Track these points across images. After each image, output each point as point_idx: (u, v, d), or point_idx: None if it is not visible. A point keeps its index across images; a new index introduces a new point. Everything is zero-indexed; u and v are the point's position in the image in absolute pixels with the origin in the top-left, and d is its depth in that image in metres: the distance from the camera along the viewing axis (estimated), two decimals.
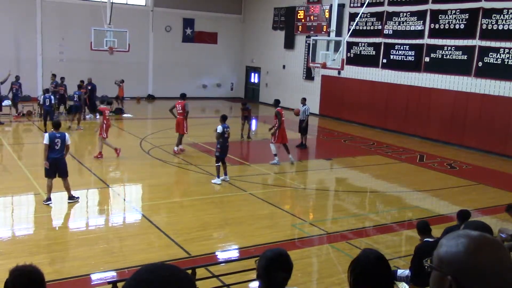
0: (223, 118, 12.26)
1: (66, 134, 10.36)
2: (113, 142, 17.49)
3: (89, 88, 21.20)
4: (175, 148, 15.13)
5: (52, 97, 18.11)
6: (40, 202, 10.34)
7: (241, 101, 20.47)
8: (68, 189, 10.17)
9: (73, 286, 6.79)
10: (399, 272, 6.25)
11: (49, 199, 10.01)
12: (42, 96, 18.12)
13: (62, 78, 21.24)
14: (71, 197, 10.23)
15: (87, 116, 20.78)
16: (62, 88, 21.08)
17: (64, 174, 10.13)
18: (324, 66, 16.71)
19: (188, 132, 15.44)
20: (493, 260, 1.39)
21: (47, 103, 17.56)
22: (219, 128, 11.95)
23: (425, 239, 6.39)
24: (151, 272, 1.34)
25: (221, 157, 12.00)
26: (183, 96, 15.45)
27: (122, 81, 23.98)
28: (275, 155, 14.52)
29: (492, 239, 1.47)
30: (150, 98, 28.78)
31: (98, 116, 20.57)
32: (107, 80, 24.34)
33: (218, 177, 12.04)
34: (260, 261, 3.06)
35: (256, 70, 30.46)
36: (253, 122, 18.59)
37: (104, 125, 14.14)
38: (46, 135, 10.06)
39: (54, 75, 21.22)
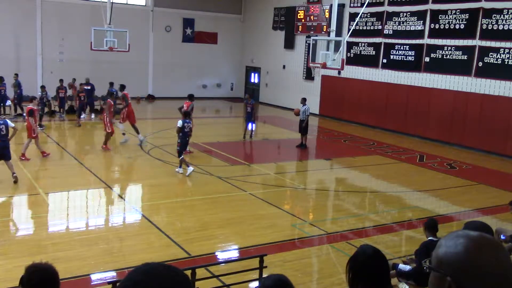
0: (185, 114, 13.09)
1: (7, 120, 11.66)
2: (113, 142, 17.49)
3: (88, 88, 21.13)
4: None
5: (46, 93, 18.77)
6: (40, 202, 10.35)
7: (246, 95, 20.41)
8: (11, 167, 11.29)
9: (73, 286, 6.79)
10: (401, 266, 6.26)
11: None
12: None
13: (61, 80, 20.92)
14: (14, 172, 11.24)
15: (81, 116, 20.70)
16: (63, 91, 20.75)
17: (8, 158, 11.32)
18: (324, 66, 16.72)
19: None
20: (493, 260, 1.39)
21: (44, 100, 18.56)
22: (179, 123, 12.67)
23: (429, 238, 6.39)
24: (147, 273, 1.33)
25: (181, 150, 12.73)
26: (190, 97, 15.51)
27: (74, 80, 22.41)
28: (124, 134, 16.06)
29: (492, 239, 1.47)
30: (150, 98, 28.78)
31: (83, 116, 20.68)
32: (107, 80, 24.29)
33: (180, 167, 12.77)
34: None
35: (256, 70, 30.45)
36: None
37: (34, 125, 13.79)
38: None
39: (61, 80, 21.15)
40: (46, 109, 19.62)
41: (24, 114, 14.05)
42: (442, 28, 18.89)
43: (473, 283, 1.37)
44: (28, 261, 3.24)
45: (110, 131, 14.96)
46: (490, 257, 1.39)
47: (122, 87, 17.14)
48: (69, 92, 21.64)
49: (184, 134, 12.75)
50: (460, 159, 16.47)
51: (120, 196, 11.25)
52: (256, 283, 6.67)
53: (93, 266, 7.34)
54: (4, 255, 7.60)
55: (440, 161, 16.10)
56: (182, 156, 12.77)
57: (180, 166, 12.82)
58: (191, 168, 12.65)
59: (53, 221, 9.43)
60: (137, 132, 16.10)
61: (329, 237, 9.15)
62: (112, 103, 15.27)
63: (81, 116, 20.31)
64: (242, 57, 31.28)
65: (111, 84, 20.95)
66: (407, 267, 6.23)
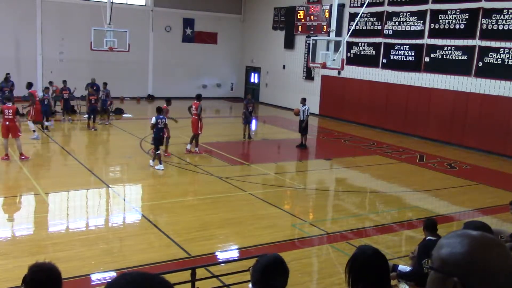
0: (158, 110, 13.41)
1: None
2: (113, 142, 17.50)
3: (94, 88, 20.98)
4: (188, 147, 15.22)
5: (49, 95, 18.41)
6: (40, 202, 10.35)
7: (246, 95, 20.41)
8: None
9: (73, 286, 6.78)
10: (401, 267, 6.26)
11: None
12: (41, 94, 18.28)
13: (65, 81, 20.31)
14: None
15: (85, 116, 20.65)
16: (66, 92, 20.07)
17: None
18: (324, 66, 16.72)
19: (202, 132, 15.36)
20: (498, 259, 1.38)
21: (46, 102, 17.85)
22: (153, 119, 13.13)
23: (428, 238, 6.39)
24: (130, 284, 1.33)
25: (155, 145, 13.18)
26: (198, 97, 15.50)
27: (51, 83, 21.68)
28: (34, 131, 16.39)
29: (494, 238, 1.46)
30: (150, 98, 28.77)
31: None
32: (107, 80, 24.29)
33: (160, 163, 13.10)
34: (255, 268, 2.95)
35: (256, 70, 30.45)
36: (253, 122, 18.48)
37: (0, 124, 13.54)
38: None
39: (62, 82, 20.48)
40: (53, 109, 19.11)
41: (10, 114, 13.35)
42: (442, 28, 18.89)
43: (481, 282, 1.36)
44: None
45: (166, 136, 14.72)
46: (496, 256, 1.39)
47: (29, 85, 17.96)
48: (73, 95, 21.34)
49: (157, 130, 13.14)
50: (460, 159, 16.47)
51: (120, 196, 11.25)
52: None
53: (93, 266, 7.34)
54: (4, 255, 7.60)
55: (440, 161, 16.10)
56: (159, 152, 13.19)
57: (160, 163, 13.18)
58: (161, 167, 13.09)
59: (53, 221, 9.43)
60: (34, 130, 16.47)
61: (329, 237, 9.15)
62: (169, 108, 15.01)
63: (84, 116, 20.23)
64: (242, 57, 31.28)
65: (105, 84, 20.81)
66: (407, 268, 6.22)
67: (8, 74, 21.38)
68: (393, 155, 16.64)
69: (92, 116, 18.79)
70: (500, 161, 16.53)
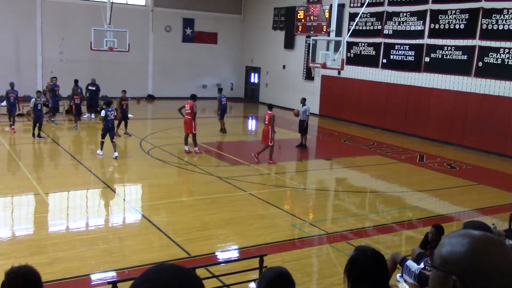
0: (107, 104, 14.77)
1: None
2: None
3: (93, 88, 20.94)
4: (186, 148, 15.20)
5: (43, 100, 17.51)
6: (40, 202, 10.35)
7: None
8: None
9: (73, 286, 6.79)
10: (410, 262, 6.21)
11: None
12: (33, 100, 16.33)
13: (76, 81, 19.27)
14: None
15: (84, 116, 20.65)
16: (78, 97, 18.95)
17: None
18: (324, 66, 16.72)
19: (196, 131, 15.31)
20: (498, 259, 1.38)
21: (39, 107, 16.26)
22: (102, 112, 14.41)
23: None
24: (157, 272, 1.34)
25: (104, 134, 14.22)
26: (192, 97, 15.45)
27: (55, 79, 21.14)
28: None
29: (496, 238, 1.46)
30: (150, 98, 28.77)
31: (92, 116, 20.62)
32: (107, 80, 24.33)
33: (101, 149, 14.31)
34: (261, 282, 2.87)
35: (256, 70, 30.45)
36: (253, 121, 18.50)
37: None
38: None
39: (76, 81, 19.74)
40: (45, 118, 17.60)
41: None
42: (442, 28, 18.89)
43: (480, 282, 1.37)
44: (28, 261, 3.23)
45: (272, 144, 14.45)
46: (497, 256, 1.39)
47: None
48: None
49: (107, 122, 14.12)
50: (460, 159, 16.47)
51: (120, 196, 11.25)
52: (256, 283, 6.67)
53: (93, 266, 7.34)
54: (4, 255, 7.59)
55: (440, 161, 16.10)
56: (103, 140, 14.21)
57: (101, 149, 14.24)
58: (102, 152, 14.23)
59: (53, 221, 9.43)
60: None
61: (329, 237, 9.15)
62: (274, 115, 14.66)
63: (84, 116, 20.13)
64: (242, 57, 31.27)
65: (76, 81, 20.50)
66: (415, 266, 6.20)
67: (54, 78, 20.41)
68: (393, 155, 16.64)
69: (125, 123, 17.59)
70: (500, 161, 16.53)
